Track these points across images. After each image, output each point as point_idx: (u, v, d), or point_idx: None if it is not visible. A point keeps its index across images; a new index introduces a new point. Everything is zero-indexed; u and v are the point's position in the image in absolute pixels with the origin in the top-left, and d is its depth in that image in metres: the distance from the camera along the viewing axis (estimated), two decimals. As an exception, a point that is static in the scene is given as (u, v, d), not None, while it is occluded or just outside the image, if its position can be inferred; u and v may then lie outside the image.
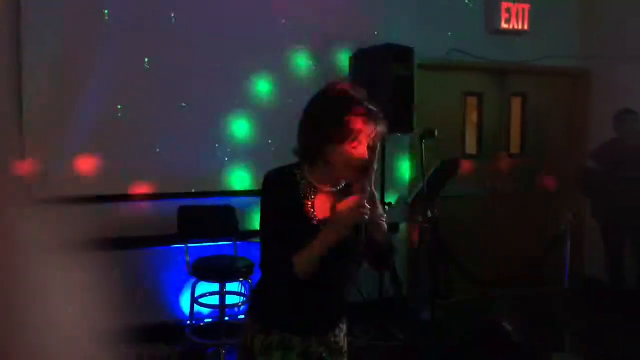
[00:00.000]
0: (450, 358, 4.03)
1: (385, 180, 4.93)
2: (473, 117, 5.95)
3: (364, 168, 1.84)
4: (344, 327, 2.09)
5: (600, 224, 5.54)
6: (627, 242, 5.34)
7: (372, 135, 1.85)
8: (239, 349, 2.05)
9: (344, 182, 1.96)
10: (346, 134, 1.81)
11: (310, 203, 1.91)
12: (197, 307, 4.35)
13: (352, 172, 1.86)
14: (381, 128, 1.87)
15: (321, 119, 1.86)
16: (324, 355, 1.98)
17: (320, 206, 1.92)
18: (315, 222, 1.90)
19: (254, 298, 2.10)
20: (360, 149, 1.83)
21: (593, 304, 5.44)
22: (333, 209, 1.90)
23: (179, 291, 4.62)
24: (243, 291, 4.45)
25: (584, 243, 6.09)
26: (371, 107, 1.85)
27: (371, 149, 1.86)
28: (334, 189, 1.95)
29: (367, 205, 1.79)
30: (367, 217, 1.79)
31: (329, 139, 1.83)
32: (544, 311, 4.99)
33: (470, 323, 4.07)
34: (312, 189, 1.92)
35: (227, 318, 4.22)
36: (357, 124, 1.81)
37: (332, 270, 1.92)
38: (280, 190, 1.91)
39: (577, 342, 4.33)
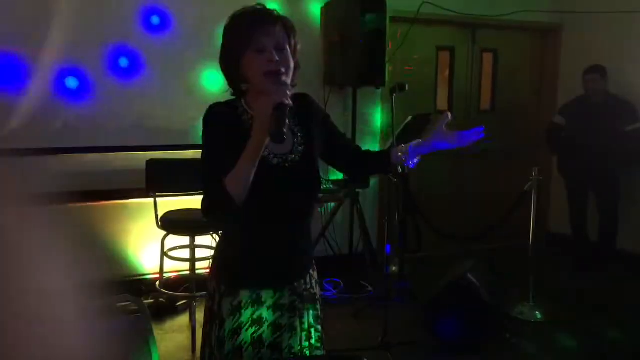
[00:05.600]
0: (419, 311, 4.11)
1: (356, 135, 4.92)
2: (445, 72, 5.94)
3: (277, 74, 1.75)
4: (315, 274, 2.01)
5: (565, 180, 5.64)
6: (590, 197, 5.46)
7: (279, 40, 1.78)
8: (205, 315, 1.95)
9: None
10: (245, 42, 1.76)
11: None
12: (167, 261, 4.34)
13: (267, 82, 1.75)
14: (290, 32, 1.81)
15: (225, 40, 1.83)
16: (296, 303, 1.90)
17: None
18: (266, 154, 1.79)
19: (215, 260, 1.99)
20: (267, 55, 1.75)
21: (557, 258, 5.58)
22: (295, 140, 1.85)
23: (148, 245, 4.59)
24: (213, 244, 4.45)
25: (550, 199, 6.21)
26: (270, 11, 1.81)
27: (282, 54, 1.78)
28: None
29: (283, 90, 1.69)
30: (285, 100, 1.67)
31: (236, 56, 1.78)
32: (510, 265, 5.10)
33: (439, 277, 4.15)
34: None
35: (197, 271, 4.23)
36: (252, 28, 1.76)
37: (285, 201, 1.82)
38: (223, 122, 1.80)
39: (542, 294, 4.45)
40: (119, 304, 1.98)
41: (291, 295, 1.90)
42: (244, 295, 1.85)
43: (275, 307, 1.87)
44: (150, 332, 1.95)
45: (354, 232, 5.01)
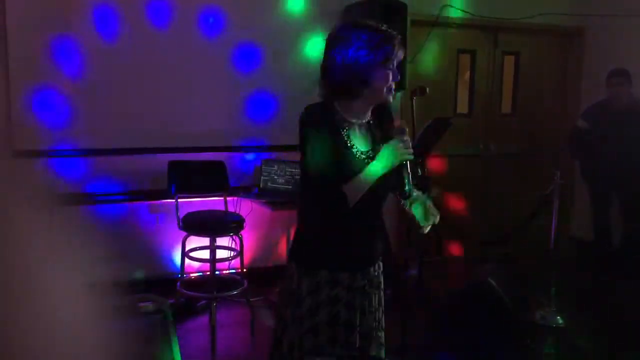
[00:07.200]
0: (438, 315, 4.10)
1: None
2: (466, 76, 5.92)
3: (393, 90, 2.03)
4: (381, 264, 2.23)
5: (588, 184, 5.58)
6: (613, 202, 5.40)
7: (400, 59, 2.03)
8: (282, 294, 2.16)
9: (370, 115, 2.10)
10: (391, 58, 1.97)
11: (347, 136, 2.03)
12: (187, 261, 4.37)
13: (388, 95, 2.02)
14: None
15: (363, 46, 1.95)
16: (366, 287, 2.12)
17: (356, 138, 2.06)
18: (355, 152, 2.02)
19: (298, 242, 2.17)
20: (394, 72, 2.00)
21: (579, 263, 5.53)
22: (374, 142, 2.08)
23: (169, 245, 4.64)
24: (233, 245, 4.49)
25: (572, 203, 6.15)
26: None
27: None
28: (364, 121, 2.09)
29: (410, 146, 1.98)
30: (412, 156, 1.97)
31: (377, 67, 1.95)
32: (532, 269, 5.06)
33: (459, 281, 4.13)
34: (346, 123, 2.03)
35: (217, 272, 4.26)
36: (399, 48, 1.99)
37: (377, 203, 2.10)
38: (323, 123, 1.99)
39: (563, 299, 4.42)
40: (141, 304, 2.01)
41: (362, 279, 2.11)
42: (323, 275, 2.04)
43: (349, 289, 2.07)
44: (173, 332, 1.97)
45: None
